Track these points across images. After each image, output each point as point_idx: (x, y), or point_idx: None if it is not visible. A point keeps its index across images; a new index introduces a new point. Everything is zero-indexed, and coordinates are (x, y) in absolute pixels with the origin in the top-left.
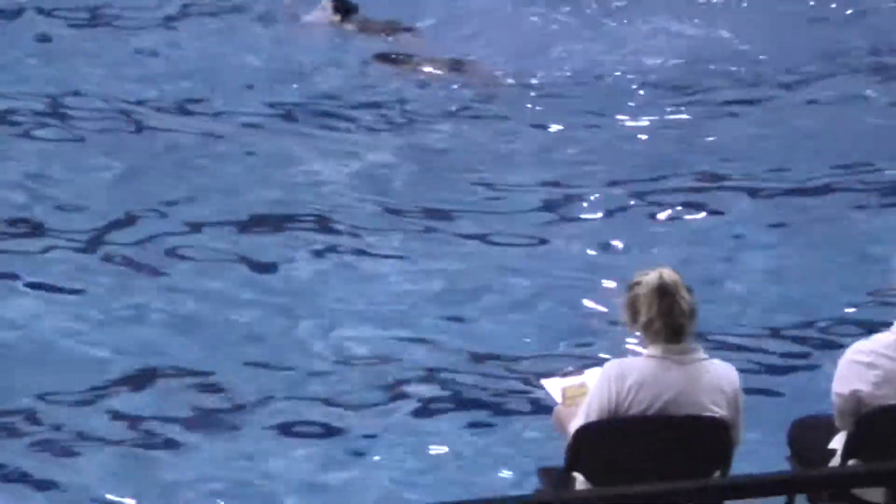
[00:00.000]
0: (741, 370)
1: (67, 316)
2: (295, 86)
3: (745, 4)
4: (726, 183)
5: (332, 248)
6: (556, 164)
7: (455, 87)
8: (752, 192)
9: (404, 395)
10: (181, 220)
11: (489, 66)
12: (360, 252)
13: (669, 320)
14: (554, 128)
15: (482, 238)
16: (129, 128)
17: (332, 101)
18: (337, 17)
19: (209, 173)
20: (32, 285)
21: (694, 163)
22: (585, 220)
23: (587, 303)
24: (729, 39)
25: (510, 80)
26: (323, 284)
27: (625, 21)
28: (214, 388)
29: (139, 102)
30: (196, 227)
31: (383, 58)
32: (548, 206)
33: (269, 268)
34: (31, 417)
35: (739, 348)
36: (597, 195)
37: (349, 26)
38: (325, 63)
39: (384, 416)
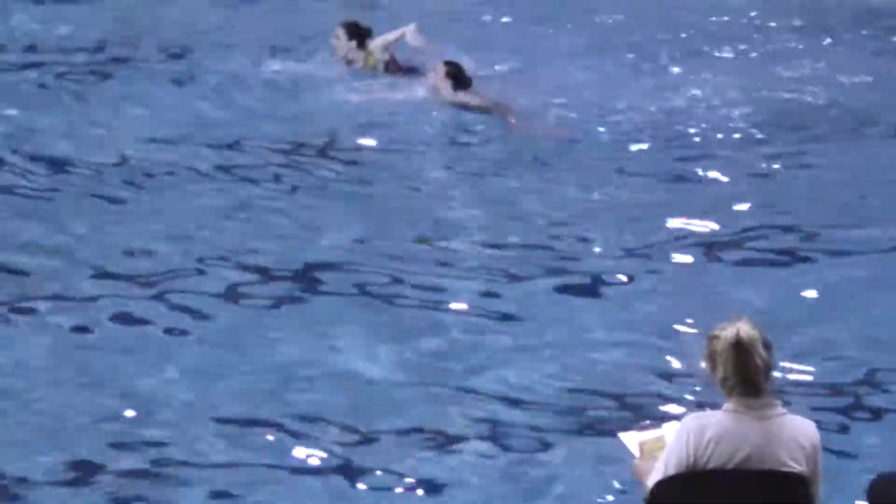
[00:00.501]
0: (820, 425)
1: None
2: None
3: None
4: (812, 232)
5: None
6: (635, 211)
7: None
8: (837, 243)
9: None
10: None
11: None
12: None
13: (745, 377)
14: (634, 178)
15: (563, 288)
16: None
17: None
18: (353, 44)
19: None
20: None
21: (780, 211)
22: (665, 267)
23: (667, 353)
24: (811, 87)
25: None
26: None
27: (695, 73)
28: None
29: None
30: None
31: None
32: (627, 252)
33: None
34: None
35: (818, 400)
36: (677, 239)
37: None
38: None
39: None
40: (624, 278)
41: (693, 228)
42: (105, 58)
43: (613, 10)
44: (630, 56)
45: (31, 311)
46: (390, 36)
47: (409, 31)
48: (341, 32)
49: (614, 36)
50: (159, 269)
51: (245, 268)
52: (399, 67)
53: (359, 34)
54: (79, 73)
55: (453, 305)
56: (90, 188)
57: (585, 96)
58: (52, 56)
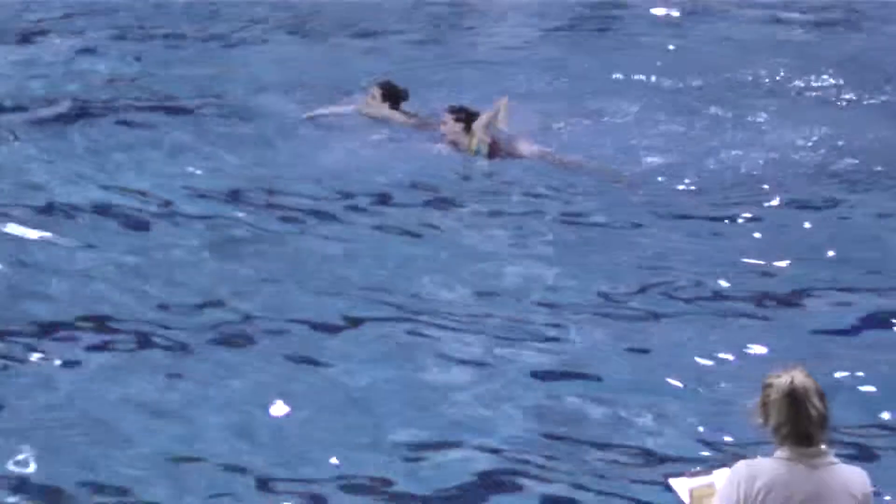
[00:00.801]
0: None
1: None
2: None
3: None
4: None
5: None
6: (713, 253)
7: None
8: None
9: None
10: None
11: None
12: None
13: (799, 427)
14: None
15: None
16: None
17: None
18: (385, 105)
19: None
20: None
21: (842, 260)
22: (722, 314)
23: (717, 399)
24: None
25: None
26: None
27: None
28: None
29: None
30: None
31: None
32: (687, 299)
33: None
34: None
35: (871, 451)
36: (733, 282)
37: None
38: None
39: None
40: (670, 317)
41: (735, 267)
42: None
43: (658, 57)
44: (671, 102)
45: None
46: (487, 117)
47: (503, 106)
48: (376, 91)
49: (657, 81)
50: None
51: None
52: (499, 149)
53: (393, 95)
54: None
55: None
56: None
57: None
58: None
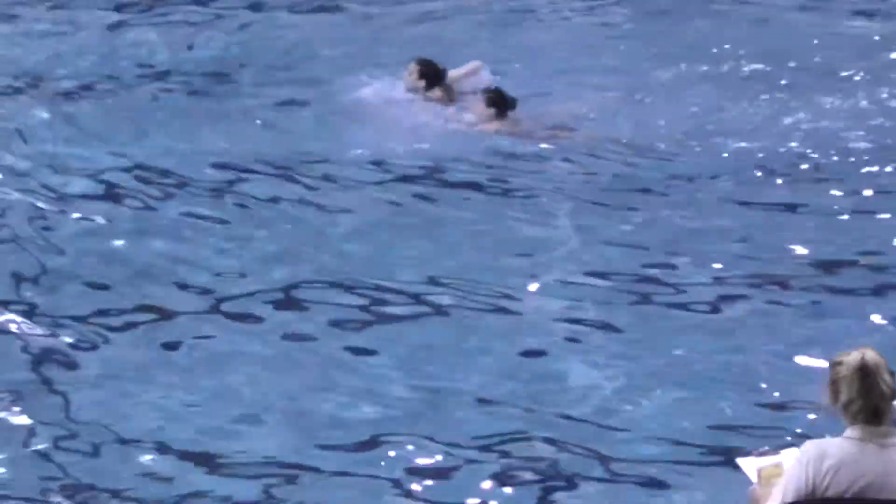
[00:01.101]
0: None
1: None
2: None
3: None
4: None
5: None
6: (759, 243)
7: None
8: None
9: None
10: None
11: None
12: None
13: (869, 402)
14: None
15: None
16: None
17: None
18: (422, 84)
19: None
20: None
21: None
22: (783, 298)
23: (783, 380)
24: None
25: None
26: None
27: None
28: None
29: None
30: None
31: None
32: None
33: None
34: None
35: None
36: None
37: (435, 94)
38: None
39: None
40: (733, 304)
41: (802, 256)
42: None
43: (721, 40)
44: (736, 84)
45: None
46: (460, 72)
47: (476, 69)
48: (414, 69)
49: (720, 64)
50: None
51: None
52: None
53: (433, 74)
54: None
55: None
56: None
57: (691, 124)
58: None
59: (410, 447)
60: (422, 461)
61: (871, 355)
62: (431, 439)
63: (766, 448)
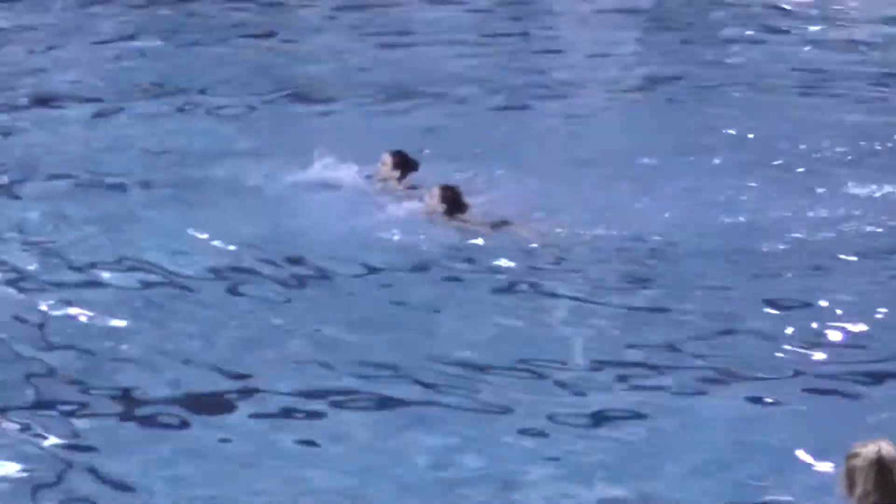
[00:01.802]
0: None
1: None
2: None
3: None
4: None
5: None
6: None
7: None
8: None
9: None
10: None
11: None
12: None
13: (885, 496)
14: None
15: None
16: None
17: None
18: (395, 174)
19: None
20: None
21: None
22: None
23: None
24: None
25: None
26: None
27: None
28: None
29: None
30: None
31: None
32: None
33: None
34: None
35: None
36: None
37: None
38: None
39: None
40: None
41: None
42: None
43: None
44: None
45: None
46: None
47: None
48: (388, 158)
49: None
50: None
51: None
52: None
53: (405, 165)
54: None
55: None
56: None
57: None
58: None
59: None
60: None
61: (887, 448)
62: None
63: None
